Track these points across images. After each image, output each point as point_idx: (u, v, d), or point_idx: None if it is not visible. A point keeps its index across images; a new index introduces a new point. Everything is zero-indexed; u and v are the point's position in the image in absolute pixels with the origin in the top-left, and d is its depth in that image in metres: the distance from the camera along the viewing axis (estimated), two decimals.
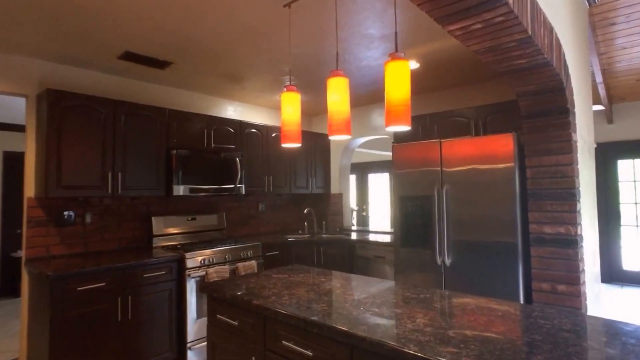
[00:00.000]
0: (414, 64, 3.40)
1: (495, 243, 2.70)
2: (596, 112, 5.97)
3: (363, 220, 10.12)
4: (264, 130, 4.34)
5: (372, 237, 4.23)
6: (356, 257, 4.13)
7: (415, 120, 4.04)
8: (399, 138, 4.14)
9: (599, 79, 4.98)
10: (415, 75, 3.77)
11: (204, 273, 3.17)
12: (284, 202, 4.99)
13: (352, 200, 10.28)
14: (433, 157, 3.05)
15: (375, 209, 10.05)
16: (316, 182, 4.93)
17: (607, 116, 5.60)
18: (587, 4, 3.40)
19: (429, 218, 3.03)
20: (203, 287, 2.02)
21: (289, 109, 2.13)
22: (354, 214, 9.95)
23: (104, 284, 2.63)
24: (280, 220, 4.93)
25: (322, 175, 5.06)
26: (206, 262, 3.24)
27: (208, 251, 3.28)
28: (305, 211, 4.56)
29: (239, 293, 1.85)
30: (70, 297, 2.49)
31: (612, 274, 5.59)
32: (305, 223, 4.83)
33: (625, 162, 5.73)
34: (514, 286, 2.63)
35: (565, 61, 2.46)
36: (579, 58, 2.92)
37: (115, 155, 3.11)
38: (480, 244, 2.77)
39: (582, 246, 2.55)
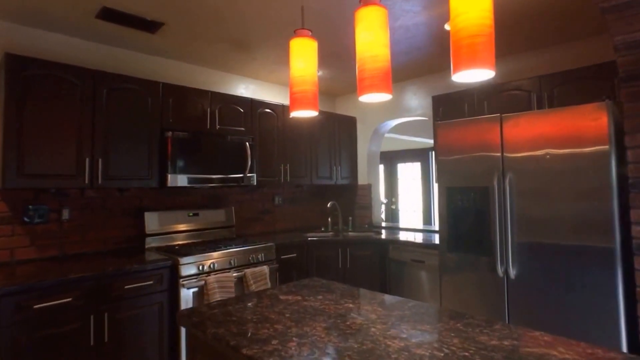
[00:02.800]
0: None
1: (581, 248, 1.97)
2: None
3: (392, 215, 9.39)
4: (279, 110, 3.71)
5: (406, 236, 3.55)
6: (389, 261, 3.45)
7: (459, 97, 3.30)
8: (441, 118, 3.41)
9: None
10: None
11: (202, 283, 2.59)
12: (303, 194, 4.37)
13: (382, 193, 9.56)
14: (491, 138, 2.32)
15: (406, 203, 9.29)
16: (341, 171, 4.27)
17: None
18: None
19: (486, 215, 2.32)
20: (180, 316, 1.42)
21: (300, 63, 1.48)
22: (383, 208, 9.24)
23: (70, 299, 2.09)
24: (300, 216, 4.31)
25: (348, 163, 4.39)
26: (205, 269, 2.65)
27: (208, 255, 2.70)
28: (328, 205, 3.92)
29: (225, 332, 1.23)
30: (25, 318, 1.95)
31: None
32: (329, 219, 4.19)
33: None
34: (610, 309, 1.90)
35: None
36: None
37: (94, 137, 2.56)
38: (559, 250, 2.04)
39: None
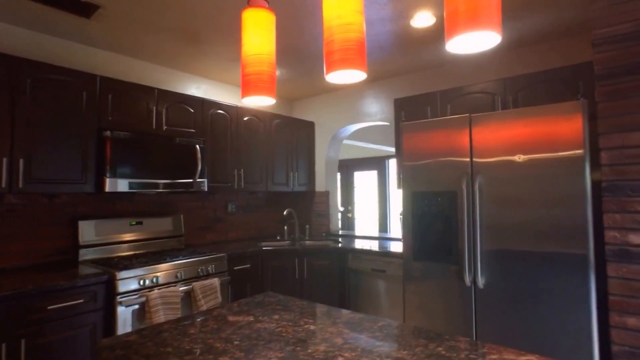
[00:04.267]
0: (428, 18, 2.59)
1: (553, 256, 1.91)
2: None
3: (348, 223, 9.33)
4: (233, 112, 3.46)
5: (364, 244, 3.41)
6: (348, 271, 3.29)
7: (422, 100, 3.25)
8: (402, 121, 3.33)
9: None
10: (425, 38, 2.96)
11: (143, 299, 2.27)
12: (258, 201, 4.12)
13: (338, 201, 9.46)
14: (460, 139, 2.24)
15: (362, 211, 9.28)
16: (298, 178, 4.08)
17: None
18: None
19: (453, 222, 2.22)
20: (100, 349, 1.14)
21: (255, 39, 1.27)
22: (339, 216, 9.15)
23: None
24: (255, 224, 4.05)
25: (306, 170, 4.21)
26: (147, 284, 2.33)
27: (151, 267, 2.38)
28: (285, 213, 3.70)
29: None
30: None
31: None
32: (285, 227, 3.96)
33: None
34: (583, 318, 1.85)
35: None
36: None
37: (14, 133, 2.18)
38: (530, 257, 1.98)
39: None
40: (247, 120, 3.59)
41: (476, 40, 0.90)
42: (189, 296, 2.49)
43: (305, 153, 4.23)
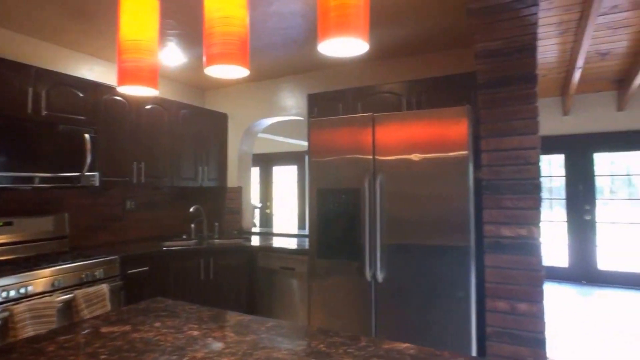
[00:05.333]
0: None
1: (443, 248, 2.05)
2: None
3: (266, 220, 9.22)
4: (133, 99, 3.15)
5: (278, 242, 3.37)
6: (258, 270, 3.21)
7: (334, 96, 3.29)
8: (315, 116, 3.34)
9: None
10: None
11: (6, 314, 1.93)
12: (163, 197, 3.82)
13: (256, 197, 9.29)
14: (364, 138, 2.29)
15: (281, 207, 9.22)
16: (208, 172, 3.88)
17: None
18: None
19: (356, 218, 2.27)
20: None
21: (133, 22, 1.13)
22: (257, 212, 9.00)
23: None
24: (158, 222, 3.75)
25: (217, 164, 4.02)
26: (12, 295, 2.00)
27: (19, 275, 2.04)
28: (191, 210, 3.49)
29: None
30: None
31: (588, 275, 5.38)
32: (192, 225, 3.74)
33: None
34: (464, 305, 2.01)
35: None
36: None
37: None
38: (422, 250, 2.10)
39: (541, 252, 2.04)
40: (149, 108, 3.30)
41: (345, 46, 0.91)
42: (69, 307, 2.19)
43: (216, 146, 4.04)
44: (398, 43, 3.13)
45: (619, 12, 3.88)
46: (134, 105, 3.16)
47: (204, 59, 1.01)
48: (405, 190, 2.15)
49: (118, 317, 1.33)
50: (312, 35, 2.94)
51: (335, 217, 2.34)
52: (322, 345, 1.09)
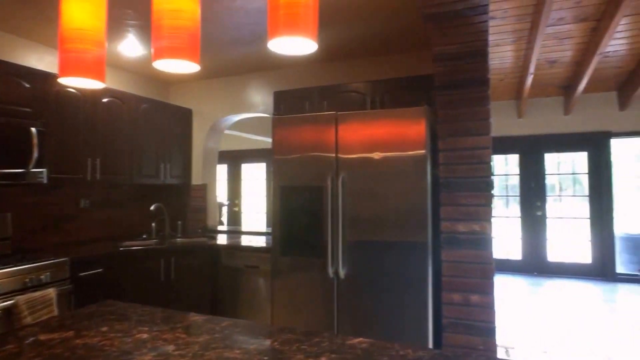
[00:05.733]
0: None
1: (401, 244, 2.10)
2: None
3: (235, 218, 9.08)
4: (88, 91, 3.00)
5: (247, 240, 3.33)
6: (221, 269, 3.16)
7: (300, 94, 3.29)
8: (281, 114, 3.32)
9: None
10: None
11: None
12: (122, 195, 3.68)
13: (223, 194, 9.13)
14: (327, 136, 2.30)
15: (250, 205, 9.12)
16: (171, 169, 3.76)
17: None
18: None
19: (319, 216, 2.28)
20: None
21: (77, 9, 1.08)
22: (224, 210, 8.84)
23: None
24: (117, 222, 3.60)
25: (181, 161, 3.91)
26: None
27: None
28: (152, 208, 3.38)
29: None
30: None
31: (539, 266, 5.68)
32: (153, 224, 3.62)
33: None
34: (421, 298, 2.07)
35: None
36: None
37: None
38: (383, 246, 2.14)
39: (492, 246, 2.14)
40: (106, 102, 3.16)
41: (295, 45, 0.91)
42: (9, 315, 2.06)
43: (180, 142, 3.93)
44: (363, 44, 3.17)
45: (564, 24, 4.13)
46: (89, 97, 3.01)
47: (152, 52, 0.98)
48: (366, 188, 2.19)
49: (60, 323, 1.26)
50: None
51: (298, 215, 2.34)
52: (276, 343, 1.09)
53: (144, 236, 3.59)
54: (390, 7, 2.52)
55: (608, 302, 4.39)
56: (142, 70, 3.85)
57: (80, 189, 3.27)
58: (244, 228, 4.20)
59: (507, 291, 4.85)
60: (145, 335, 1.14)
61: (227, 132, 6.56)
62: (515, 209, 5.87)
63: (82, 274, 2.53)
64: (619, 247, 5.45)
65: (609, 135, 5.37)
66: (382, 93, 2.97)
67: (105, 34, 1.15)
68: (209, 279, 3.16)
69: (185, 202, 4.10)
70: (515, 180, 5.91)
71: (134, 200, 3.78)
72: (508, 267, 5.79)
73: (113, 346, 1.07)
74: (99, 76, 1.12)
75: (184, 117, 4.02)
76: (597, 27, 4.10)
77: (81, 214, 3.27)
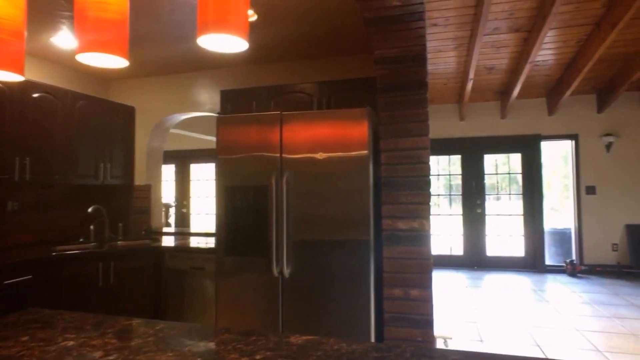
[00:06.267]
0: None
1: (344, 242, 2.16)
2: None
3: (183, 219, 8.80)
4: (15, 85, 2.78)
5: (194, 242, 3.25)
6: (165, 272, 3.06)
7: (248, 93, 3.27)
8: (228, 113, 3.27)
9: None
10: (251, 36, 2.97)
11: None
12: (57, 197, 3.44)
13: (171, 195, 8.81)
14: (271, 136, 2.31)
15: (200, 206, 8.87)
16: (112, 169, 3.58)
17: None
18: None
19: (263, 215, 2.28)
20: None
21: None
22: (172, 211, 8.55)
23: None
24: (51, 225, 3.36)
25: (122, 160, 3.73)
26: None
27: None
28: (90, 210, 3.19)
29: None
30: None
31: (479, 261, 6.04)
32: (92, 227, 3.42)
33: (432, 158, 6.37)
34: (364, 294, 2.14)
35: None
36: None
37: None
38: (327, 244, 2.19)
39: (431, 242, 2.26)
40: (37, 97, 2.94)
41: (226, 43, 0.92)
42: None
43: (122, 141, 3.74)
44: (311, 45, 3.20)
45: (500, 34, 4.44)
46: (16, 92, 2.79)
47: (76, 45, 0.94)
48: (310, 187, 2.22)
49: None
50: None
51: (243, 215, 2.33)
52: (212, 344, 1.09)
53: (81, 240, 3.38)
54: (336, 9, 2.58)
55: (537, 292, 4.78)
56: (79, 66, 3.63)
57: (8, 190, 3.02)
58: (193, 229, 4.09)
59: (449, 285, 5.12)
60: (71, 343, 1.09)
61: (173, 131, 6.36)
62: (458, 207, 6.21)
63: (7, 281, 2.34)
64: (547, 241, 5.96)
65: (539, 138, 5.85)
66: (329, 94, 3.03)
67: (25, 23, 1.08)
68: (152, 283, 3.05)
69: (128, 203, 3.92)
70: (458, 180, 6.25)
71: (70, 202, 3.55)
72: (451, 262, 6.12)
73: (33, 356, 1.01)
74: (17, 69, 1.05)
75: (126, 115, 3.84)
76: (528, 38, 4.45)
77: (8, 217, 3.02)
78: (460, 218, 6.13)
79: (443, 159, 6.40)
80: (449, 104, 6.16)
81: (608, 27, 4.05)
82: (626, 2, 3.69)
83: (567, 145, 5.92)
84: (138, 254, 3.02)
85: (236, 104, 3.35)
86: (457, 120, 6.13)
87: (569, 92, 5.22)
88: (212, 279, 2.87)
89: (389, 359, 1.04)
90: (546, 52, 4.77)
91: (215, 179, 2.43)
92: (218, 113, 2.52)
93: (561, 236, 5.96)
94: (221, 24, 0.82)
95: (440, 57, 4.93)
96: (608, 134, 5.54)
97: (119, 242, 3.37)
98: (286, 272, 2.23)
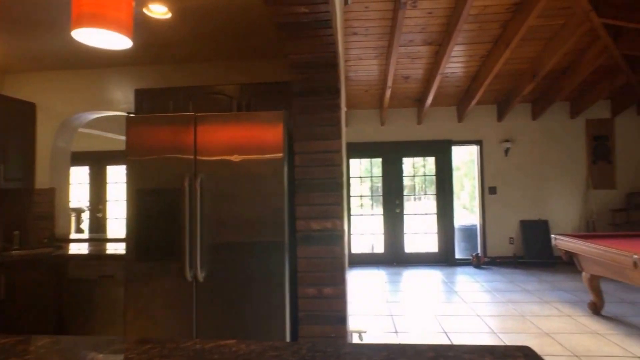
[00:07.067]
0: (163, 10, 2.49)
1: (259, 244, 2.19)
2: None
3: (99, 225, 8.13)
4: None
5: (107, 248, 3.03)
6: (70, 282, 2.82)
7: (165, 93, 3.15)
8: (144, 113, 3.12)
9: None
10: (165, 31, 2.86)
11: None
12: None
13: (85, 199, 8.10)
14: (185, 138, 2.26)
15: (118, 210, 8.27)
16: (7, 171, 3.21)
17: (344, 119, 6.35)
18: (343, 1, 3.44)
19: (177, 219, 2.23)
20: None
21: None
22: (85, 216, 7.87)
23: None
24: None
25: (20, 162, 3.37)
26: None
27: None
28: None
29: None
30: None
31: (398, 258, 6.37)
32: None
33: (355, 161, 6.66)
34: (279, 294, 2.19)
35: (337, 34, 2.20)
36: (340, 45, 2.81)
37: None
38: (242, 247, 2.20)
39: (344, 241, 2.38)
40: None
41: (106, 38, 0.90)
42: None
43: (20, 141, 3.38)
44: (231, 46, 3.18)
45: (414, 46, 4.80)
46: None
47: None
48: (226, 190, 2.22)
49: None
50: (136, 27, 2.74)
51: (154, 218, 2.24)
52: (100, 356, 1.05)
53: None
54: (256, 11, 2.60)
55: (447, 284, 5.23)
56: None
57: None
58: (110, 235, 3.81)
59: (369, 282, 5.39)
60: None
61: (85, 131, 5.87)
62: (380, 207, 6.56)
63: None
64: (457, 237, 6.55)
65: (451, 143, 6.41)
66: (249, 97, 3.04)
67: None
68: (54, 295, 2.80)
69: (26, 208, 3.54)
70: (380, 182, 6.61)
71: None
72: (373, 260, 6.45)
73: None
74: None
75: (25, 112, 3.48)
76: (439, 51, 4.86)
77: None
78: (381, 218, 6.48)
79: (365, 161, 6.72)
80: (370, 109, 6.48)
81: (503, 46, 4.58)
82: (516, 25, 4.22)
83: (475, 150, 6.56)
84: (37, 264, 2.75)
85: (152, 104, 3.21)
86: (378, 125, 6.47)
87: (474, 102, 5.80)
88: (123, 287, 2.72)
89: (285, 356, 1.09)
90: (455, 65, 5.25)
91: (126, 182, 2.31)
92: (129, 113, 2.40)
93: (469, 232, 6.59)
94: (97, 19, 0.80)
95: (362, 64, 5.18)
96: (506, 140, 6.25)
97: (14, 252, 3.04)
98: (200, 276, 2.19)
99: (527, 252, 6.09)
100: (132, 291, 2.24)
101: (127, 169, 2.29)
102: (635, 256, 2.97)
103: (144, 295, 2.22)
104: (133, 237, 2.26)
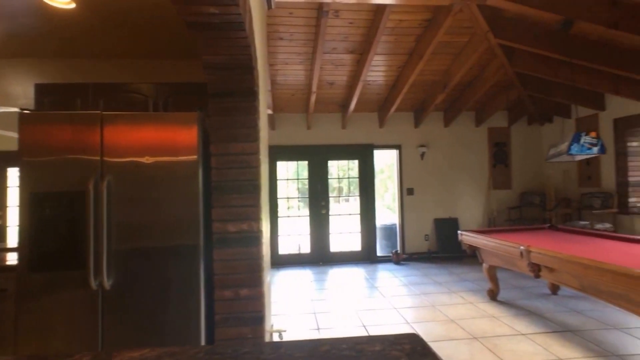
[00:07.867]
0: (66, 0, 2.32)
1: (173, 248, 2.13)
2: None
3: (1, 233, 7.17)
4: None
5: (7, 258, 2.71)
6: None
7: (71, 89, 2.94)
8: (45, 110, 2.86)
9: (267, 86, 5.48)
10: (71, 26, 2.65)
11: None
12: None
13: None
14: (90, 137, 2.12)
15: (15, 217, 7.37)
16: None
17: (271, 123, 6.38)
18: (266, 5, 3.48)
19: (80, 224, 2.08)
20: None
21: None
22: None
23: None
24: None
25: None
26: None
27: None
28: None
29: None
30: None
31: (324, 257, 6.54)
32: None
33: (282, 163, 6.71)
34: (195, 298, 2.15)
35: (254, 38, 2.24)
36: (261, 48, 2.85)
37: None
38: (154, 252, 2.12)
39: (262, 242, 2.41)
40: None
41: None
42: None
43: None
44: (144, 44, 3.05)
45: (338, 54, 4.99)
46: None
47: None
48: (136, 193, 2.13)
49: None
50: (36, 15, 2.51)
51: (54, 225, 2.07)
52: None
53: None
54: (171, 9, 2.53)
55: (369, 280, 5.51)
56: None
57: None
58: (10, 244, 3.41)
59: (295, 282, 5.48)
60: None
61: None
62: (306, 209, 6.69)
63: None
64: (379, 235, 6.92)
65: (373, 147, 6.76)
66: (166, 96, 2.95)
67: None
68: None
69: None
70: (306, 184, 6.74)
71: None
72: (299, 260, 6.55)
73: None
74: None
75: None
76: (360, 60, 5.11)
77: None
78: (308, 219, 6.62)
79: (292, 164, 6.81)
80: (297, 113, 6.59)
81: (417, 58, 4.97)
82: (428, 39, 4.60)
83: (395, 154, 6.99)
84: None
85: (56, 100, 2.96)
86: (304, 129, 6.60)
87: (393, 109, 6.19)
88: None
89: None
90: (376, 74, 5.56)
91: (19, 185, 2.10)
92: (23, 109, 2.18)
93: (389, 230, 7.01)
94: None
95: (288, 69, 5.26)
96: (422, 145, 6.77)
97: None
98: (107, 284, 2.07)
99: (440, 248, 6.64)
100: (26, 306, 2.04)
101: (21, 170, 2.09)
102: (522, 247, 3.42)
103: (42, 308, 2.04)
104: (27, 246, 2.06)
